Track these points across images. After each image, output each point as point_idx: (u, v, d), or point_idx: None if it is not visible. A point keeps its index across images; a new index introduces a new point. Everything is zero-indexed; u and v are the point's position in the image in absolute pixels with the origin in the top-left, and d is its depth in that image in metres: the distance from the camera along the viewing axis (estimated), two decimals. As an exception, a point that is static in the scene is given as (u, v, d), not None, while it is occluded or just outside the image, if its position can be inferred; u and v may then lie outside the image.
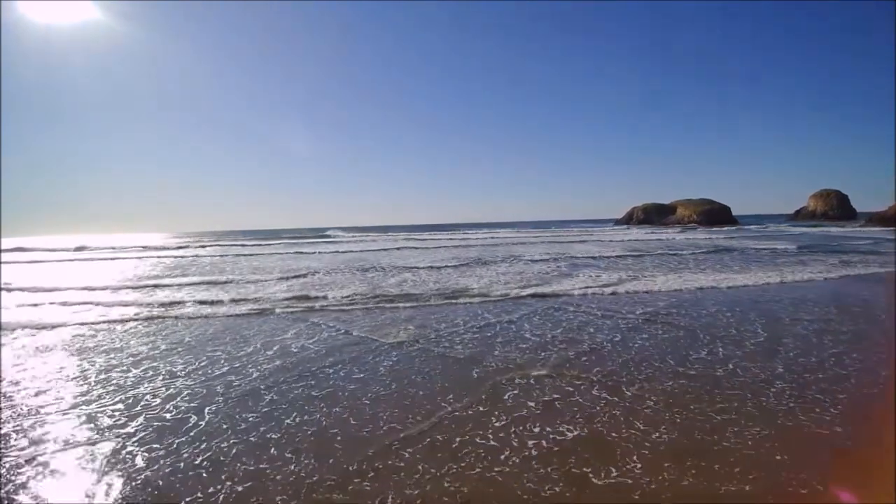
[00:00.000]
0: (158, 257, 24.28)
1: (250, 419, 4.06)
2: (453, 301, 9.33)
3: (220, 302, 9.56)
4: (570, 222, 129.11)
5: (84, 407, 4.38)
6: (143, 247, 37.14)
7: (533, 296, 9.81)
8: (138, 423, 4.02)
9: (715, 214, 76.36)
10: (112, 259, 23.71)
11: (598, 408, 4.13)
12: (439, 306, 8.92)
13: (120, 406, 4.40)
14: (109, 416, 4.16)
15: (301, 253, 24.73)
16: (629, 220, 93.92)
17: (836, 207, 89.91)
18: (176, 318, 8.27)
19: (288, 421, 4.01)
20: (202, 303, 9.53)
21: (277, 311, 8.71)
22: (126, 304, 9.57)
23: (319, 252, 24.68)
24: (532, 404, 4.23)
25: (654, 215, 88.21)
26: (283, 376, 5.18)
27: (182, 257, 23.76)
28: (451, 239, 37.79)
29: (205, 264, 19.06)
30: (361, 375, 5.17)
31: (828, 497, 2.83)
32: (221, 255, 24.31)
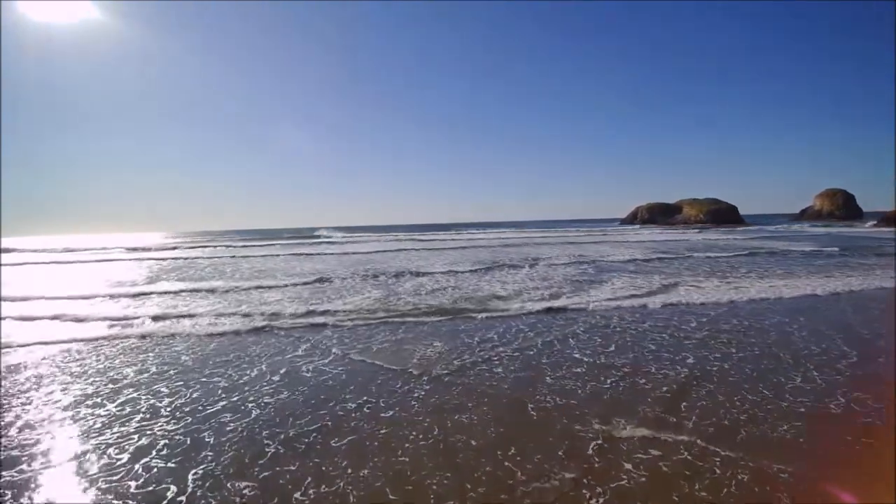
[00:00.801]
0: (153, 259, 23.17)
1: (246, 491, 2.97)
2: (481, 312, 8.23)
3: (219, 315, 8.43)
4: (572, 222, 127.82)
5: (19, 470, 3.29)
6: (136, 248, 36.05)
7: (568, 308, 8.71)
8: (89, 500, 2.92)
9: (722, 214, 75.23)
10: (101, 261, 22.58)
11: (728, 472, 3.03)
12: (467, 319, 7.81)
13: (71, 468, 3.30)
14: (50, 484, 3.06)
15: (303, 255, 23.62)
16: (633, 219, 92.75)
17: (843, 207, 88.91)
18: (167, 336, 7.14)
19: (298, 495, 2.92)
20: (198, 315, 8.39)
21: (286, 324, 7.61)
22: (104, 319, 8.28)
23: (323, 254, 23.57)
24: (630, 467, 3.13)
25: (659, 215, 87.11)
26: (292, 416, 4.09)
27: (176, 259, 22.65)
28: (454, 239, 36.70)
29: (202, 266, 17.98)
30: (390, 414, 4.09)
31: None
32: (219, 257, 23.21)
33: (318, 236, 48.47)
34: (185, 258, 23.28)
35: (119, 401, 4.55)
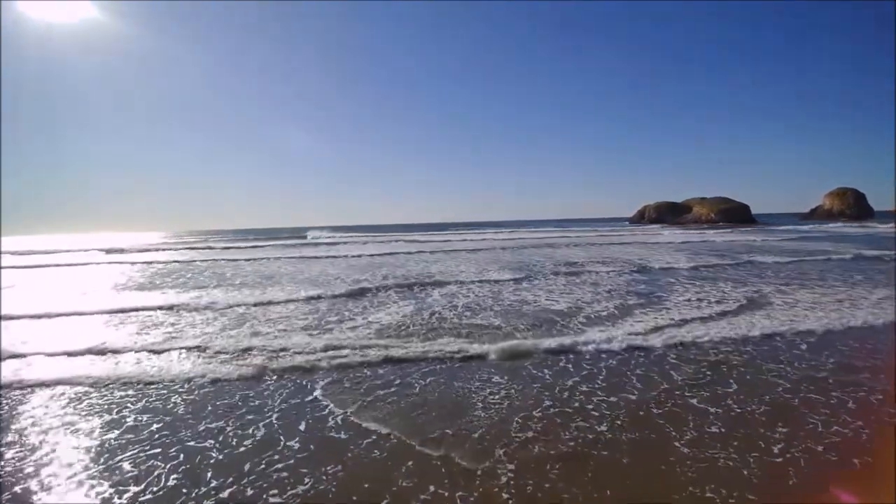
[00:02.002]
0: (147, 262, 21.28)
1: None
2: (545, 339, 6.38)
3: (213, 356, 6.49)
4: (576, 221, 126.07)
5: None
6: (130, 249, 34.18)
7: (660, 328, 6.88)
8: None
9: (733, 213, 73.56)
10: (88, 264, 20.67)
11: None
12: (531, 357, 5.84)
13: None
14: None
15: (308, 258, 21.76)
16: (640, 218, 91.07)
17: (853, 206, 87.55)
18: (129, 385, 5.23)
19: None
20: (183, 352, 6.27)
21: (307, 360, 5.76)
22: (53, 354, 6.14)
23: (331, 256, 21.71)
24: None
25: (668, 214, 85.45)
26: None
27: (171, 262, 20.77)
28: (465, 240, 34.92)
29: (201, 270, 16.13)
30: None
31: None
32: (219, 260, 21.34)
33: (308, 236, 46.48)
34: (184, 261, 21.42)
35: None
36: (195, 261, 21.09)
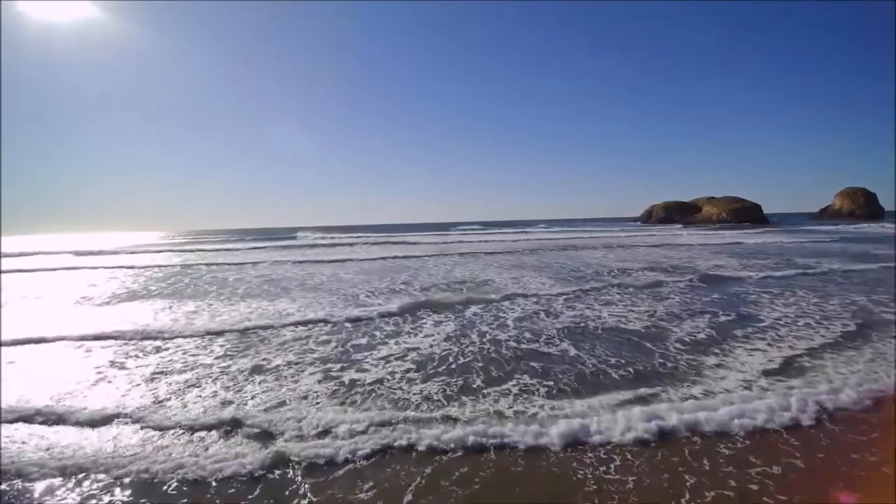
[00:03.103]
0: (143, 266, 19.67)
1: None
2: (694, 416, 4.78)
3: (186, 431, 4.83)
4: (580, 221, 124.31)
5: None
6: (120, 250, 32.64)
7: (797, 369, 5.30)
8: None
9: (745, 213, 72.08)
10: (72, 269, 19.00)
11: None
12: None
13: None
14: None
15: (314, 261, 20.14)
16: (648, 217, 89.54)
17: (864, 206, 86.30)
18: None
19: None
20: (165, 430, 4.08)
21: (341, 450, 4.15)
22: None
23: (338, 260, 20.07)
24: None
25: (676, 214, 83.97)
26: None
27: (167, 267, 19.14)
28: (475, 241, 33.34)
29: (201, 276, 14.51)
30: None
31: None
32: (220, 264, 19.72)
33: (297, 237, 44.70)
34: (182, 265, 19.81)
35: None
36: (222, 262, 19.47)
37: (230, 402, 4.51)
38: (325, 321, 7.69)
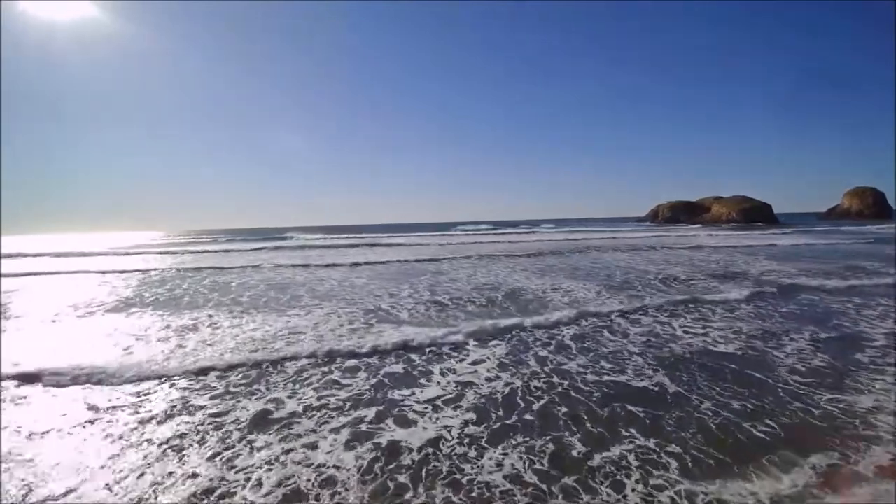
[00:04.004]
0: (122, 272, 18.33)
1: None
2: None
3: None
4: (584, 221, 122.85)
5: None
6: (109, 251, 31.34)
7: None
8: None
9: (755, 212, 70.80)
10: (37, 276, 17.61)
11: None
12: None
13: None
14: None
15: (319, 265, 18.80)
16: (654, 217, 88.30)
17: (873, 205, 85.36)
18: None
19: None
20: None
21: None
22: None
23: (348, 264, 18.71)
24: None
25: (683, 213, 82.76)
26: None
27: (159, 271, 17.78)
28: (484, 243, 31.99)
29: (201, 280, 13.16)
30: None
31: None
32: (221, 269, 18.38)
33: (285, 237, 43.27)
34: (178, 269, 18.48)
35: None
36: (223, 266, 18.12)
37: (212, 492, 3.11)
38: (348, 339, 6.34)
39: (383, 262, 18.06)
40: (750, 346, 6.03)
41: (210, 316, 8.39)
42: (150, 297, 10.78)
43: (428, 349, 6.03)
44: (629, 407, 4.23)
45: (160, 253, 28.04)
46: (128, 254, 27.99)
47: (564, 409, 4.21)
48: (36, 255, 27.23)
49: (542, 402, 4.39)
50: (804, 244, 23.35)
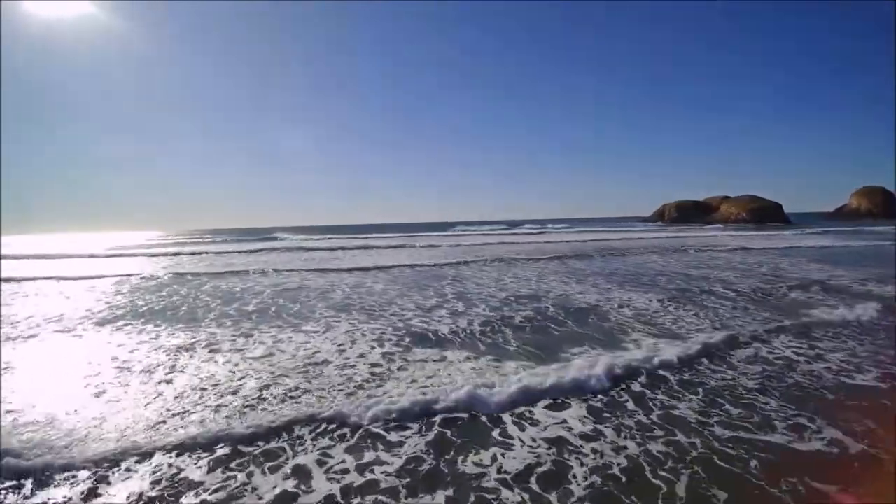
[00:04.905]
0: (114, 279, 17.00)
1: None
2: None
3: None
4: (590, 221, 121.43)
5: None
6: (99, 253, 30.04)
7: None
8: None
9: (765, 212, 69.52)
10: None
11: None
12: None
13: None
14: None
15: (326, 269, 17.48)
16: (660, 217, 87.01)
17: (882, 205, 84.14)
18: None
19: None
20: None
21: None
22: None
23: (358, 268, 17.39)
24: None
25: (690, 213, 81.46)
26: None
27: (145, 280, 16.45)
28: (492, 244, 30.66)
29: (204, 287, 11.85)
30: None
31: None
32: (222, 275, 17.08)
33: (275, 238, 41.86)
34: (173, 276, 17.18)
35: None
36: (224, 271, 16.80)
37: None
38: (388, 377, 5.01)
39: (395, 266, 16.70)
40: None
41: (212, 334, 7.05)
42: (132, 309, 9.44)
43: (484, 380, 4.67)
44: None
45: (149, 256, 26.70)
46: (133, 255, 26.66)
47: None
48: (16, 258, 25.92)
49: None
50: (841, 245, 22.01)
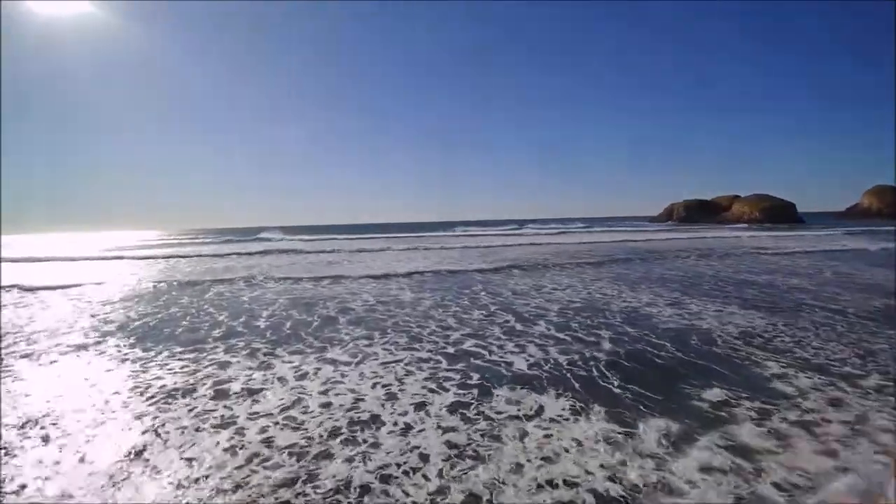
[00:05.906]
0: (107, 284, 15.44)
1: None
2: None
3: None
4: (596, 220, 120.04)
5: None
6: (93, 255, 28.53)
7: None
8: None
9: (778, 212, 68.22)
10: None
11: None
12: None
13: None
14: None
15: (340, 276, 16.01)
16: (668, 217, 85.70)
17: (893, 205, 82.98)
18: None
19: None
20: None
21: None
22: None
23: (374, 276, 15.88)
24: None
25: (699, 212, 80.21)
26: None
27: (140, 285, 14.91)
28: (510, 246, 29.21)
29: (207, 295, 10.32)
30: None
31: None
32: (223, 282, 15.55)
33: (266, 238, 40.40)
34: (170, 281, 15.67)
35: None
36: (225, 277, 15.28)
37: None
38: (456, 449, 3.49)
39: (416, 272, 15.11)
40: None
41: (218, 364, 5.53)
42: (122, 324, 7.90)
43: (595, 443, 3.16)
44: None
45: (147, 258, 25.16)
46: (130, 256, 25.12)
47: None
48: (4, 261, 24.33)
49: None
50: (880, 248, 20.48)
